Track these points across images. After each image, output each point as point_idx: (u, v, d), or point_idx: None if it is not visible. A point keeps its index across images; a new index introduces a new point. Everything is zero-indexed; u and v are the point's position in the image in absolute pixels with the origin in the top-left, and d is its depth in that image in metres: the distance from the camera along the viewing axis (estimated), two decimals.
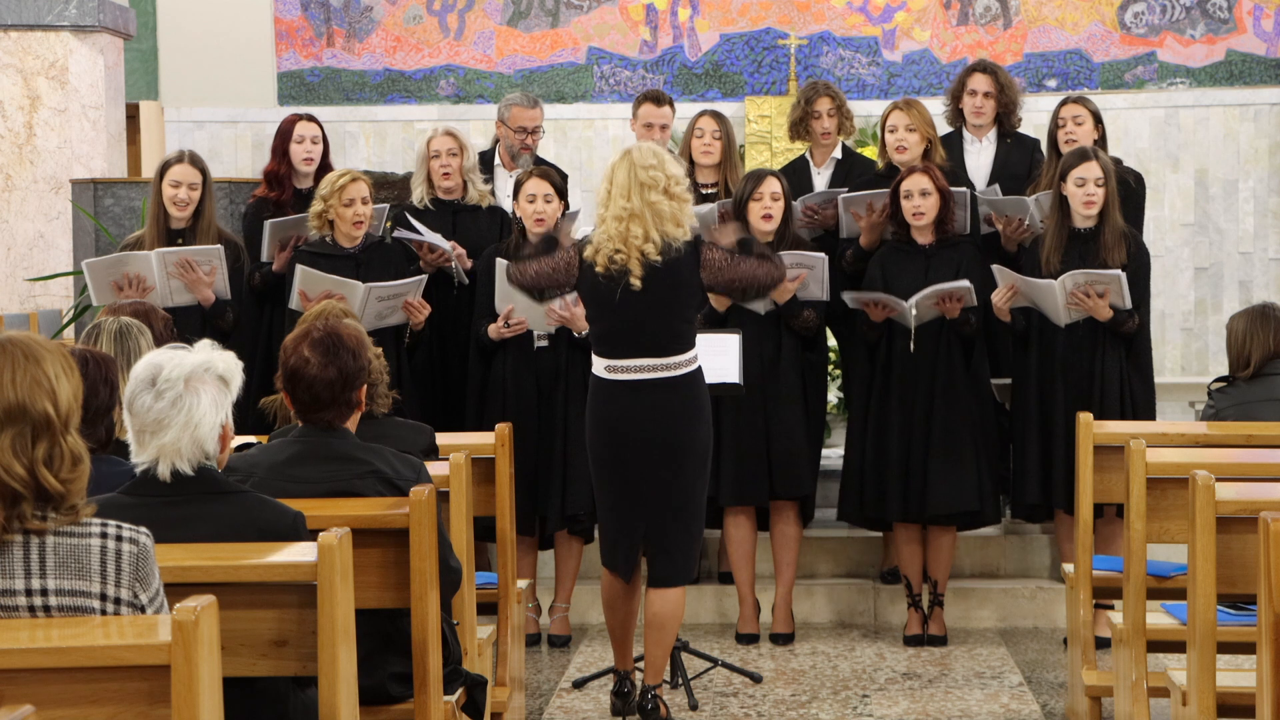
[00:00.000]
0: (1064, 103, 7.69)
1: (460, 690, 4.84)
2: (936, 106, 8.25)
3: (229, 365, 3.80)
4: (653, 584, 6.02)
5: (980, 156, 8.06)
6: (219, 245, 7.32)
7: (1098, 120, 7.62)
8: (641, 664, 6.20)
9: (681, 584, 6.02)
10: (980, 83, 8.00)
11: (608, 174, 5.92)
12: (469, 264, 7.52)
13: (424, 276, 7.34)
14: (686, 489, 5.97)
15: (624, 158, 5.87)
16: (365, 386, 4.67)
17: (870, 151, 8.43)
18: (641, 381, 5.89)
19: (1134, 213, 7.64)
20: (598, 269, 5.86)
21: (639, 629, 6.26)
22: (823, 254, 7.24)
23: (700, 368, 6.00)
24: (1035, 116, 10.88)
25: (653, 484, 5.94)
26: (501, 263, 7.07)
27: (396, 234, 7.60)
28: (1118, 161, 7.82)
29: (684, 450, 5.93)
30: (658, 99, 8.07)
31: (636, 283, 5.80)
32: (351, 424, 4.65)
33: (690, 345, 5.95)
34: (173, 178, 7.36)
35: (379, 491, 4.54)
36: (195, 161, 7.42)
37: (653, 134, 7.93)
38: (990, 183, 7.91)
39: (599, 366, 5.97)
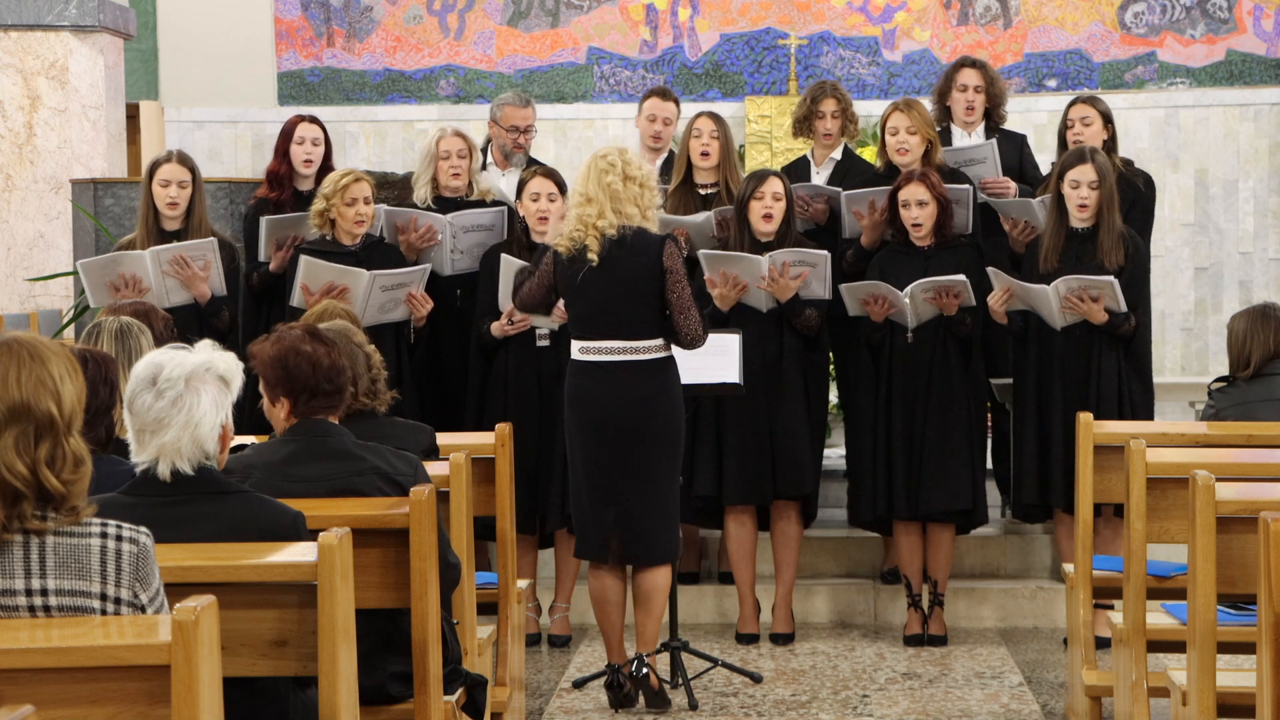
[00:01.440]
0: (1073, 103, 7.68)
1: (460, 690, 4.84)
2: None
3: (229, 365, 3.80)
4: (633, 565, 6.19)
5: None
6: (212, 239, 7.31)
7: (1107, 120, 7.59)
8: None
9: (660, 564, 6.17)
10: (971, 77, 8.02)
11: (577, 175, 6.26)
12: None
13: (427, 266, 7.35)
14: (655, 472, 6.13)
15: (590, 157, 6.20)
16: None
17: (869, 152, 8.41)
18: (612, 363, 6.14)
19: (1143, 216, 7.60)
20: (562, 253, 6.15)
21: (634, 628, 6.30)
22: (825, 251, 7.23)
23: (672, 357, 6.20)
24: (1035, 116, 10.90)
25: (622, 465, 6.13)
26: (505, 259, 7.09)
27: (385, 209, 7.57)
28: (1128, 163, 7.81)
29: (652, 432, 6.12)
30: (664, 94, 8.16)
31: (594, 258, 6.07)
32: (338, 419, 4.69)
33: (659, 334, 6.14)
34: (162, 177, 7.34)
35: (379, 489, 4.54)
36: (184, 160, 7.41)
37: (655, 126, 7.97)
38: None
39: (575, 349, 6.24)
